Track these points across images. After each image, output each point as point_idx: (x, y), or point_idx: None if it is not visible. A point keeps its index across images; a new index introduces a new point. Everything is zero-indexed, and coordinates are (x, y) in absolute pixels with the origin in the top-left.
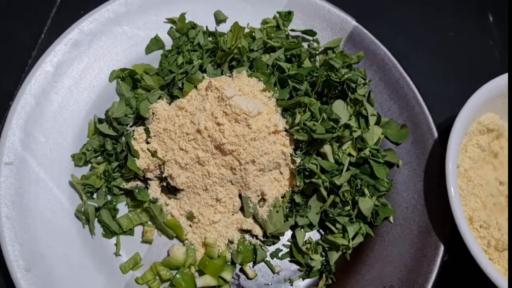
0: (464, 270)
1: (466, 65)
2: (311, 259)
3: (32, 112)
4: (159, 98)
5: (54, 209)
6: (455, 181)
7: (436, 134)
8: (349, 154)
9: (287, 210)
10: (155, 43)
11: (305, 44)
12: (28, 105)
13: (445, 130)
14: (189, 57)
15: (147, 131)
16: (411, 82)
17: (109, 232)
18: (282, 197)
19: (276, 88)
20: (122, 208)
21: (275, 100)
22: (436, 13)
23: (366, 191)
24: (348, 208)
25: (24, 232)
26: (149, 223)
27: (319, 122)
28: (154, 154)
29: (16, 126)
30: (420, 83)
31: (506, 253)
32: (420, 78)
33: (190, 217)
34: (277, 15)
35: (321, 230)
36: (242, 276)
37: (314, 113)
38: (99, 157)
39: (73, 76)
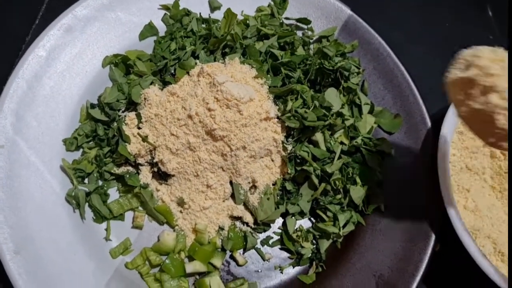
0: (455, 260)
1: None
2: (302, 247)
3: (24, 96)
4: (151, 84)
5: (44, 193)
6: (447, 170)
7: (429, 124)
8: (341, 143)
9: (278, 197)
10: (149, 30)
11: (299, 33)
12: (20, 89)
13: (438, 120)
14: (182, 43)
15: (138, 116)
16: (405, 72)
17: (99, 217)
18: (273, 184)
19: (268, 75)
20: (113, 193)
21: (268, 87)
22: (434, 5)
23: (357, 179)
24: (339, 196)
25: (14, 215)
26: (140, 208)
27: (311, 109)
28: (145, 139)
29: (8, 110)
30: (415, 75)
31: (497, 240)
32: (414, 69)
33: (181, 203)
34: (272, 3)
35: (312, 218)
36: (232, 263)
37: (306, 100)
38: (91, 142)
39: (66, 61)
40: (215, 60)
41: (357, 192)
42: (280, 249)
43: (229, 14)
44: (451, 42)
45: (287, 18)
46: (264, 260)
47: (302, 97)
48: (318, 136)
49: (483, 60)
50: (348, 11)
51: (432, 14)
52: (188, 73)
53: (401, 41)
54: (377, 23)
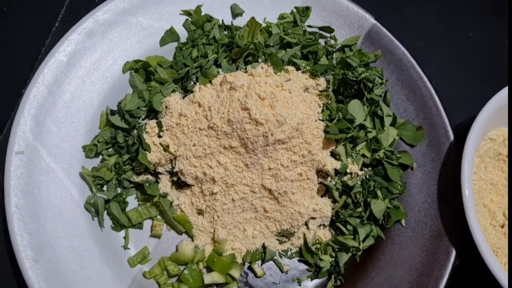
0: (475, 276)
1: (486, 66)
2: (320, 259)
3: (44, 102)
4: (172, 92)
5: (64, 200)
6: (470, 185)
7: (452, 137)
8: (363, 155)
9: None
10: (170, 35)
11: (322, 41)
12: (40, 94)
13: (461, 131)
14: (204, 50)
15: (159, 124)
16: (428, 83)
17: (118, 225)
18: None
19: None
20: (132, 201)
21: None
22: (456, 12)
23: (378, 193)
24: (359, 209)
25: (33, 222)
26: (159, 217)
27: (334, 121)
28: (166, 148)
29: (28, 115)
30: (438, 85)
31: None
32: (437, 79)
33: (200, 213)
34: (295, 10)
35: (331, 230)
36: (250, 274)
37: (332, 112)
38: (110, 149)
39: (86, 66)
40: (237, 69)
41: (378, 206)
42: (299, 261)
43: (253, 23)
44: (474, 50)
45: (310, 26)
46: (282, 272)
47: (328, 108)
48: (340, 149)
49: None
50: (372, 20)
51: (455, 22)
52: (210, 81)
53: (424, 50)
54: (400, 31)
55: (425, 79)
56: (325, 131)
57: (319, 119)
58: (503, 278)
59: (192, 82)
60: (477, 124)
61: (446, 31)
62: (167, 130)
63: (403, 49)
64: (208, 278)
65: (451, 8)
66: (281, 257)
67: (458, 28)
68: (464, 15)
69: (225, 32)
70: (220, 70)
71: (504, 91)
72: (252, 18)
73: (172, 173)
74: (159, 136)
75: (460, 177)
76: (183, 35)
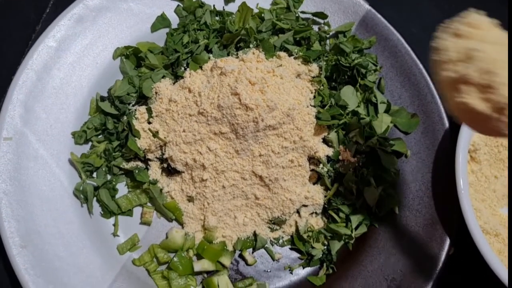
0: (470, 265)
1: None
2: (312, 247)
3: (33, 87)
4: (162, 78)
5: (52, 186)
6: (465, 173)
7: (447, 124)
8: (356, 142)
9: None
10: (161, 21)
11: (315, 27)
12: (30, 80)
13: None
14: (195, 36)
15: (149, 110)
16: (424, 70)
17: (107, 212)
18: None
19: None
20: (122, 188)
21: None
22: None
23: (371, 180)
24: (352, 197)
25: (21, 209)
26: (149, 204)
27: (325, 108)
28: (155, 135)
29: (17, 101)
30: (433, 72)
31: None
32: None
33: (191, 200)
34: None
35: (323, 218)
36: (241, 262)
37: (324, 98)
38: (100, 136)
39: (76, 52)
40: (228, 55)
41: (371, 194)
42: (290, 249)
43: (244, 8)
44: None
45: (303, 12)
46: (273, 260)
47: (320, 95)
48: (332, 136)
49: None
50: (366, 6)
51: (451, 9)
52: (201, 67)
53: (420, 37)
54: (395, 18)
55: (420, 66)
56: (317, 117)
57: (310, 105)
58: (497, 266)
59: (182, 68)
60: None
61: (442, 18)
62: (156, 116)
63: (398, 35)
64: (198, 266)
65: None
66: (272, 245)
67: (455, 15)
68: (460, 2)
69: (217, 18)
70: (211, 56)
71: None
72: (243, 3)
73: (162, 160)
74: (149, 122)
75: (455, 163)
76: (174, 21)
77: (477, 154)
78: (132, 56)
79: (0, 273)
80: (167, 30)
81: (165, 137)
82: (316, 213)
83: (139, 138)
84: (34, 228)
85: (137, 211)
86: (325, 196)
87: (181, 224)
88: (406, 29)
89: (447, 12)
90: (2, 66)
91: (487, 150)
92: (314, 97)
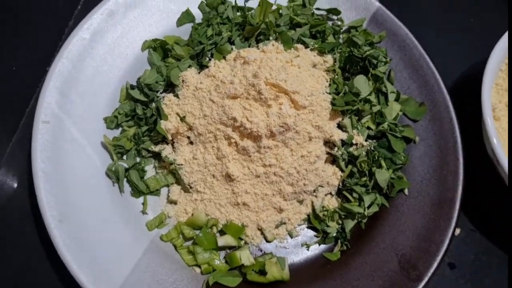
0: (479, 243)
1: (486, 51)
2: (328, 226)
3: (68, 75)
4: (189, 67)
5: (86, 166)
6: (489, 100)
7: (453, 113)
8: (368, 128)
9: None
10: (186, 17)
11: (329, 23)
12: (65, 68)
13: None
14: (218, 29)
15: (176, 97)
16: (430, 62)
17: (137, 192)
18: None
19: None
20: (150, 169)
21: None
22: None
23: (383, 163)
24: (365, 178)
25: (57, 186)
26: (175, 184)
27: (340, 95)
28: (183, 119)
29: (53, 88)
30: (440, 65)
31: None
32: (440, 60)
33: None
34: None
35: (338, 199)
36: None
37: (338, 86)
38: (130, 121)
39: (107, 44)
40: (249, 47)
41: (382, 175)
42: (307, 227)
43: (265, 3)
44: (476, 33)
45: (317, 9)
46: (291, 237)
47: (335, 82)
48: (346, 121)
49: None
50: (376, 3)
51: (458, 7)
52: (224, 57)
53: (427, 33)
54: (404, 15)
55: (427, 58)
56: (332, 103)
57: (326, 92)
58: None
59: (207, 58)
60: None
61: (448, 13)
62: (183, 102)
63: (406, 30)
64: (222, 241)
65: None
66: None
67: (461, 12)
68: (461, 1)
69: (238, 13)
70: (233, 47)
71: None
72: None
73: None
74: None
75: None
76: (198, 17)
77: (495, 113)
78: (159, 48)
79: (36, 247)
80: (191, 25)
81: (192, 122)
82: (331, 194)
83: (167, 122)
84: (70, 203)
85: (164, 191)
86: (339, 178)
87: None
88: (413, 25)
89: (451, 8)
90: (37, 57)
91: (502, 106)
92: (330, 85)
